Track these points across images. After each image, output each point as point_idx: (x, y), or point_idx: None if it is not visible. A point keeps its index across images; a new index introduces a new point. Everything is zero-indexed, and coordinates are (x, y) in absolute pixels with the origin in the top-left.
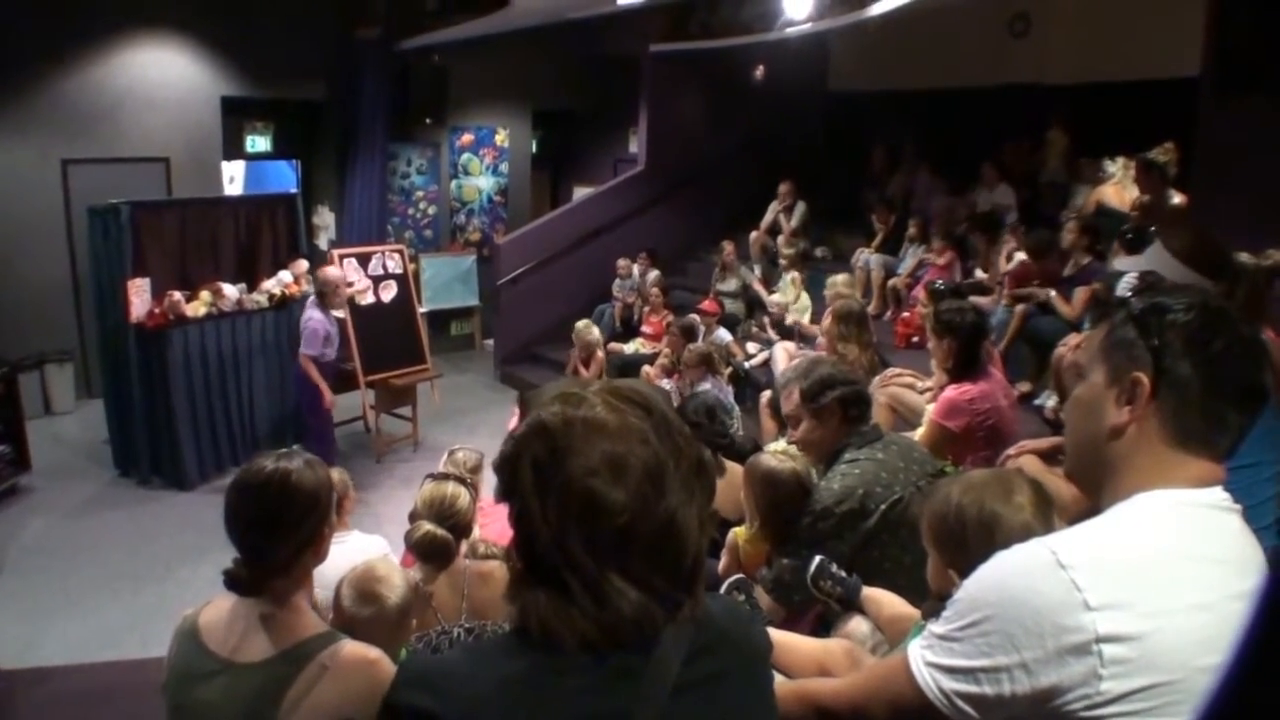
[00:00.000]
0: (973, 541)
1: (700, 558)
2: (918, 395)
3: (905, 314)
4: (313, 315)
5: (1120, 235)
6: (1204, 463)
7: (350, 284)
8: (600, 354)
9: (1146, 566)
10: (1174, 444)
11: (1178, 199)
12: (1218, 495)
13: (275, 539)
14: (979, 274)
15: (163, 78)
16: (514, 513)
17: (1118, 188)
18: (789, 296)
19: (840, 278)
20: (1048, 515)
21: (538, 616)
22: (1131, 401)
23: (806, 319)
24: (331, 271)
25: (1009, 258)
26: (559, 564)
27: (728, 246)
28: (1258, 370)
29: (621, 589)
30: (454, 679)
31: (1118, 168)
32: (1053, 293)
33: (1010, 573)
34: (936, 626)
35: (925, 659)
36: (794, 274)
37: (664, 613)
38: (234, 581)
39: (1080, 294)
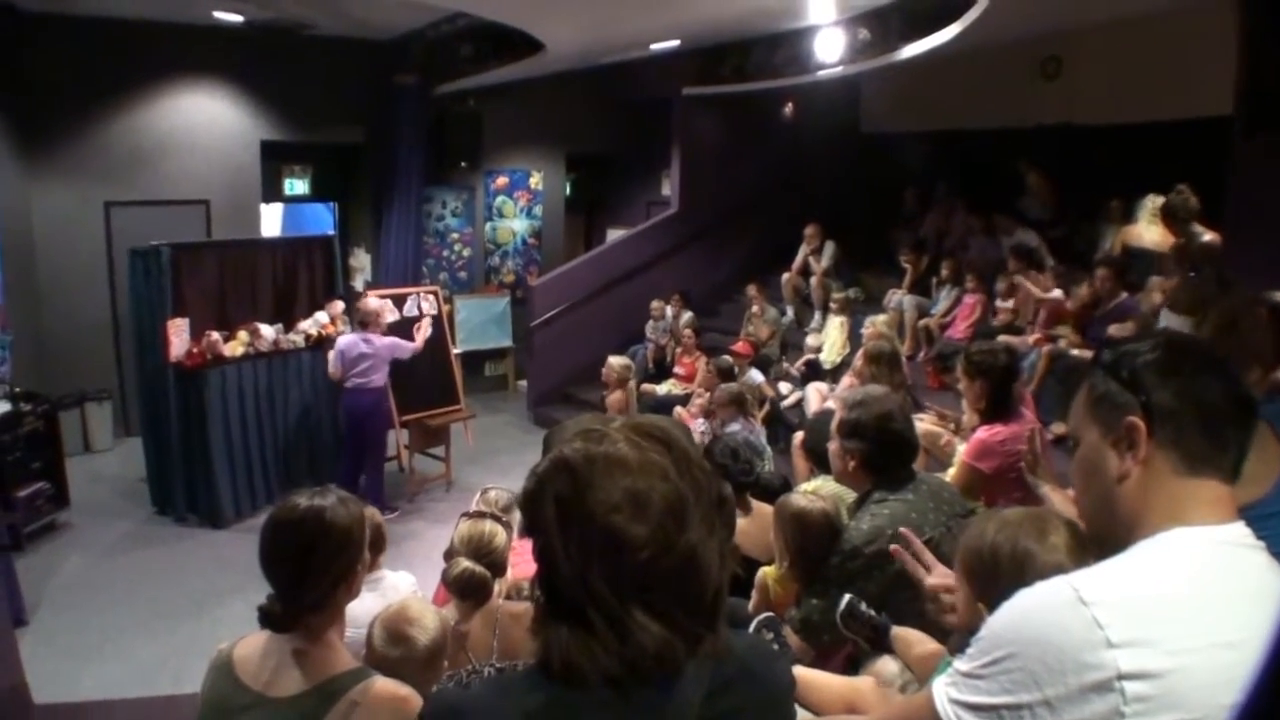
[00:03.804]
0: (1004, 577)
1: (721, 591)
2: (949, 435)
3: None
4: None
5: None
6: (1216, 485)
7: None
8: (630, 387)
9: (1170, 603)
10: (1183, 472)
11: (1207, 236)
12: (1240, 531)
13: (309, 575)
14: (1003, 315)
15: (204, 122)
16: (537, 548)
17: (1140, 227)
18: (833, 340)
19: (880, 318)
20: (1083, 557)
21: (560, 651)
22: (1133, 447)
23: (828, 358)
24: (371, 301)
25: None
26: (581, 599)
27: (752, 289)
28: (1235, 382)
29: (644, 624)
30: (478, 712)
31: (1148, 206)
32: (1074, 350)
33: (1032, 609)
34: (961, 663)
35: (950, 696)
36: (842, 319)
37: (685, 647)
38: (268, 618)
39: (1114, 331)
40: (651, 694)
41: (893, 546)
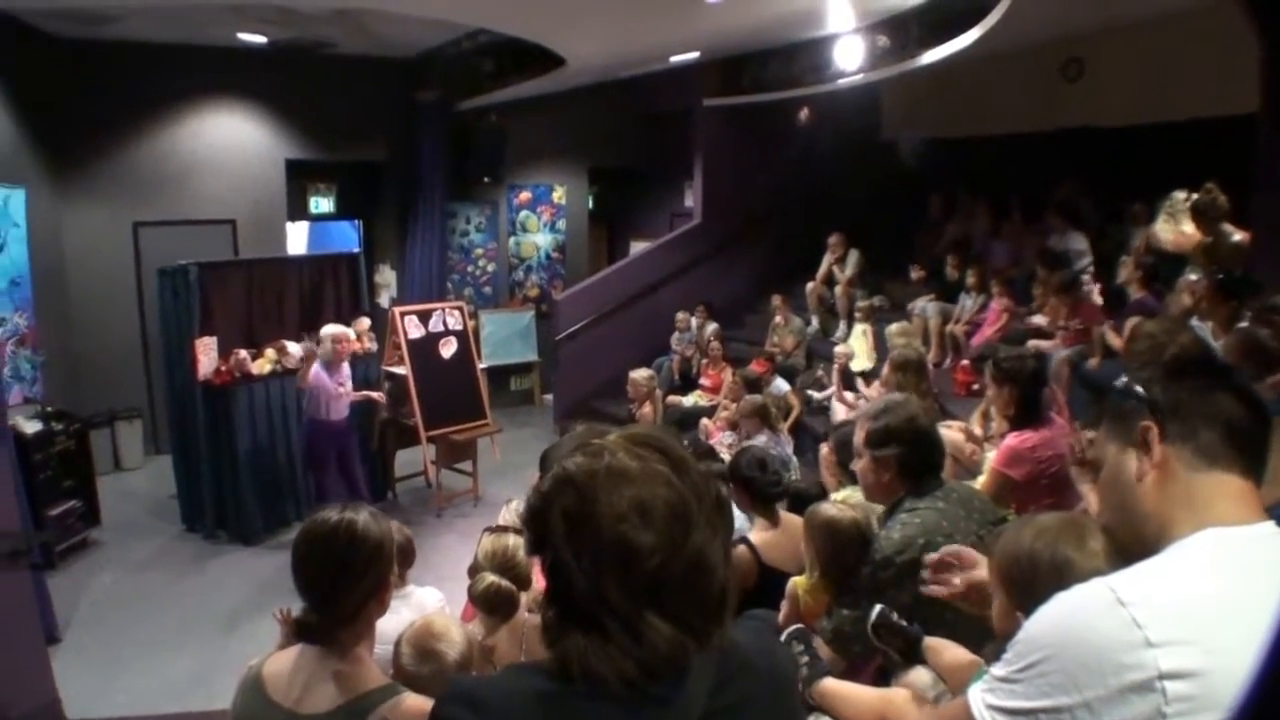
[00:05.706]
0: (1043, 585)
1: (727, 588)
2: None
3: (964, 361)
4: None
5: (1216, 282)
6: (1234, 480)
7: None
8: (656, 397)
9: (1208, 602)
10: (1202, 467)
11: (1238, 236)
12: (1272, 529)
13: (341, 588)
14: (1036, 320)
15: (229, 142)
16: (546, 564)
17: (1157, 226)
18: (859, 349)
19: (895, 326)
20: (1122, 563)
21: (579, 659)
22: (1149, 449)
23: (858, 367)
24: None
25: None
26: (597, 609)
27: (776, 300)
28: (1243, 388)
29: (657, 626)
30: (494, 696)
31: (1178, 204)
32: (1107, 330)
33: (1070, 612)
34: (997, 669)
35: (987, 702)
36: (866, 326)
37: (696, 644)
38: (304, 629)
39: (1129, 326)
40: (663, 690)
41: (929, 567)
